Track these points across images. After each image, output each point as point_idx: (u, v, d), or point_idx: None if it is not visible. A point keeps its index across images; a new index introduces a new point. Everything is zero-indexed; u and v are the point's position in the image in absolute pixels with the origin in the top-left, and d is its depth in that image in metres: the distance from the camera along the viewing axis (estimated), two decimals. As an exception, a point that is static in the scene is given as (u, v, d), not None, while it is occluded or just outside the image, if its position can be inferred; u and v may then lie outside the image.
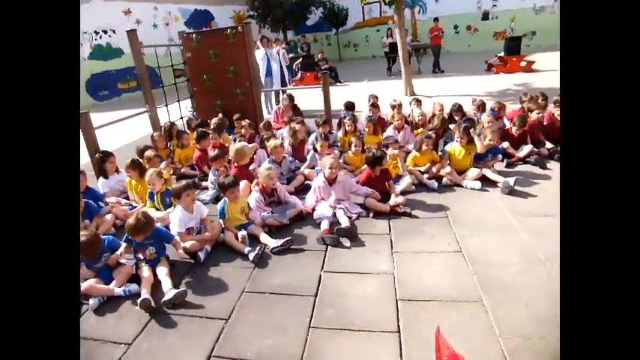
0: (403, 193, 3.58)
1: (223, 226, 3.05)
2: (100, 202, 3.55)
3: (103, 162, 3.69)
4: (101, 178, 3.74)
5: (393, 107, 5.28)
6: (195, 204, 2.96)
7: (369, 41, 20.72)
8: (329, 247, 2.85)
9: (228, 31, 5.27)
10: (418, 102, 5.61)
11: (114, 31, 13.52)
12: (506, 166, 4.12)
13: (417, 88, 8.64)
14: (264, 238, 2.95)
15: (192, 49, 5.50)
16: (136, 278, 2.56)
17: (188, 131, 5.26)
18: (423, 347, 1.80)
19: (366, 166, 3.60)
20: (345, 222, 3.08)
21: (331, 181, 3.34)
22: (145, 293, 2.32)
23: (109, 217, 3.35)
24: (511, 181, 3.49)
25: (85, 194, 3.47)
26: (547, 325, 1.88)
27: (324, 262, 2.66)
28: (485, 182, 3.68)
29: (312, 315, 2.14)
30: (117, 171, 3.84)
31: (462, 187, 3.70)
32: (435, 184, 3.79)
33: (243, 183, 3.45)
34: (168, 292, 2.34)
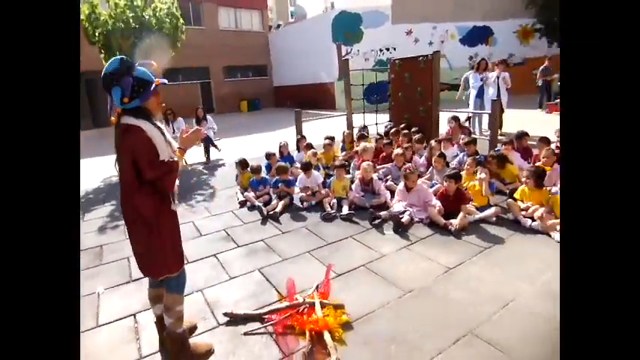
0: (484, 220, 3.89)
1: (330, 194, 4.65)
2: (292, 164, 5.93)
3: (298, 142, 6.07)
4: (296, 152, 6.15)
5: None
6: (314, 174, 4.72)
7: None
8: (374, 227, 3.91)
9: (421, 59, 6.45)
10: None
11: (394, 49, 16.67)
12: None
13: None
14: (344, 209, 4.33)
15: (395, 72, 7.06)
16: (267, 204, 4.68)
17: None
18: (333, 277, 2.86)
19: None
20: (404, 219, 3.94)
21: (409, 189, 4.19)
22: (266, 209, 4.39)
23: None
24: None
25: (286, 158, 5.92)
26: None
27: (359, 233, 3.80)
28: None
29: (316, 248, 3.51)
30: (307, 147, 6.12)
31: (550, 237, 3.51)
32: (527, 222, 3.74)
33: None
34: (273, 212, 4.30)
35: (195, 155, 8.03)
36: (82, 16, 8.26)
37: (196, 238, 3.98)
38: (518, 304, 2.54)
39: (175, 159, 1.96)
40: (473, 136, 6.78)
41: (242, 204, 4.81)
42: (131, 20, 8.08)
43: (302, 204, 4.62)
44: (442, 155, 4.81)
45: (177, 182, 2.08)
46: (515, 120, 8.85)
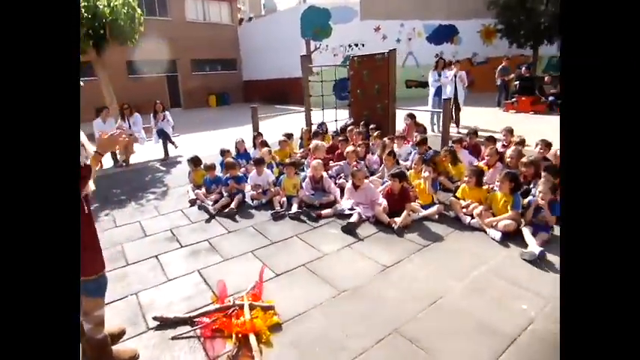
0: (427, 217, 4.01)
1: (280, 192, 4.65)
2: (248, 161, 5.87)
3: (255, 138, 6.03)
4: (252, 148, 6.11)
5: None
6: (265, 172, 4.71)
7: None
8: (321, 227, 3.95)
9: (378, 56, 6.53)
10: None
11: (363, 45, 16.76)
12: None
13: None
14: (294, 207, 4.35)
15: (354, 69, 7.12)
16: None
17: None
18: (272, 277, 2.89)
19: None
20: (353, 218, 3.97)
21: (356, 187, 4.26)
22: (213, 208, 4.34)
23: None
24: (537, 251, 3.11)
25: (242, 155, 5.86)
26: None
27: (305, 232, 3.83)
28: (519, 240, 3.40)
29: (259, 247, 3.51)
30: (262, 145, 6.09)
31: (486, 234, 3.66)
32: (466, 220, 3.88)
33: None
34: (229, 209, 4.30)
35: (153, 152, 7.82)
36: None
37: (140, 238, 3.89)
38: (444, 302, 2.64)
39: (87, 163, 1.90)
40: (430, 133, 6.98)
41: (192, 202, 4.74)
42: (83, 10, 7.72)
43: (252, 202, 4.61)
44: (392, 153, 4.91)
45: (92, 187, 2.02)
46: (472, 117, 9.16)
